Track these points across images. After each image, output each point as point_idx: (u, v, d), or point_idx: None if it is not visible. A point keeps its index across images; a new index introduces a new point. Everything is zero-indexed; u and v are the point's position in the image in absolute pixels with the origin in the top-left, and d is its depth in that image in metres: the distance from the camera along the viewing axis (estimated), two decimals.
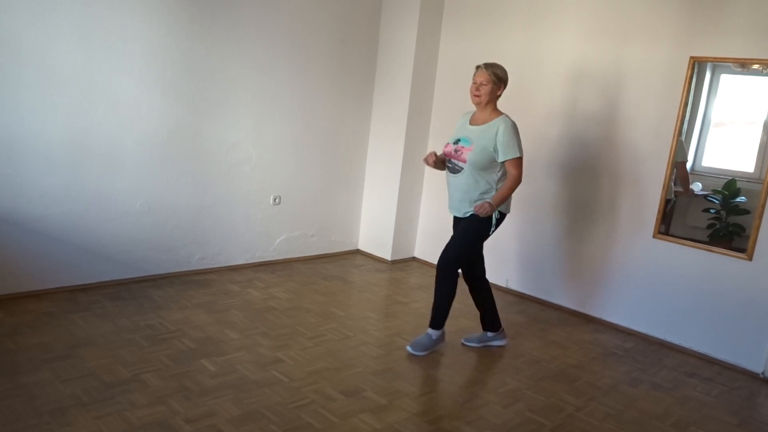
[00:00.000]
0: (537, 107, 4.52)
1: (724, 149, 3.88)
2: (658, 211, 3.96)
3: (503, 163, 3.28)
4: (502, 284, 4.84)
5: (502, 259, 4.82)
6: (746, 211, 3.69)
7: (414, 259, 5.48)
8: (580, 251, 4.36)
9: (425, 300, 4.44)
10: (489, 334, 3.70)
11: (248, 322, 3.68)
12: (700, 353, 3.87)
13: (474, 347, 3.67)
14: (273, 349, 3.36)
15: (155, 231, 4.18)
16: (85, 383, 2.78)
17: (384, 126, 5.23)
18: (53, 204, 3.70)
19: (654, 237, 3.99)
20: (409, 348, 3.49)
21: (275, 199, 4.81)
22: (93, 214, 3.87)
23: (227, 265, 4.63)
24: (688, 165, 3.95)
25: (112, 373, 2.90)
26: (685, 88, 3.79)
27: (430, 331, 3.52)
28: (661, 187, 3.93)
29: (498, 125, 3.25)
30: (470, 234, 3.39)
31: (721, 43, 3.65)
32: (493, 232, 3.39)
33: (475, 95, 3.32)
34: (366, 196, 5.43)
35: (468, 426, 2.78)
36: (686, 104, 3.81)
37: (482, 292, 3.63)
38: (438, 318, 3.50)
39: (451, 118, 5.09)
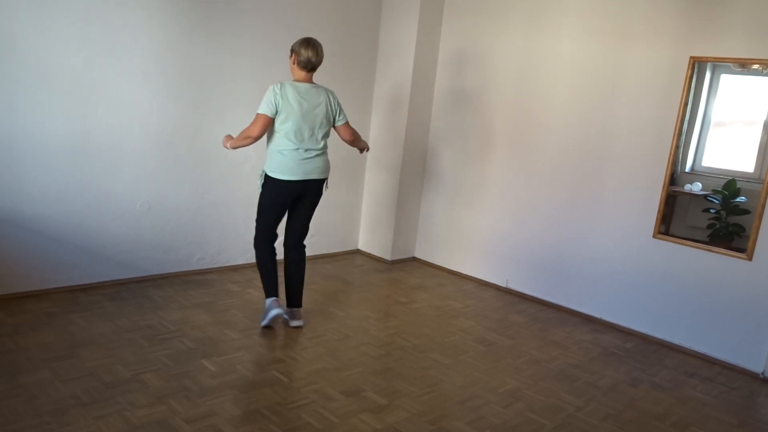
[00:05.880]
0: (536, 106, 4.52)
1: (724, 149, 3.88)
2: (658, 211, 3.96)
3: (275, 125, 3.41)
4: (502, 284, 4.84)
5: (502, 259, 4.82)
6: (746, 211, 3.69)
7: (414, 259, 5.48)
8: (579, 251, 4.36)
9: (425, 300, 4.44)
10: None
11: (248, 322, 3.68)
12: (700, 353, 3.87)
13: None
14: (273, 349, 3.36)
15: (155, 231, 4.18)
16: (85, 383, 2.78)
17: (384, 126, 5.23)
18: (53, 204, 3.70)
19: (654, 237, 3.99)
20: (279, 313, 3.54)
21: None
22: (93, 214, 3.87)
23: (227, 265, 4.63)
24: (688, 165, 3.96)
25: (112, 373, 2.90)
26: (685, 88, 3.79)
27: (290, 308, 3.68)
28: (661, 187, 3.94)
29: None
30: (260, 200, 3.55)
31: (721, 43, 3.66)
32: (261, 192, 3.51)
33: None
34: (366, 196, 5.43)
35: (468, 426, 2.78)
36: (686, 104, 3.81)
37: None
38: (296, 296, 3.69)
39: (451, 118, 5.09)
